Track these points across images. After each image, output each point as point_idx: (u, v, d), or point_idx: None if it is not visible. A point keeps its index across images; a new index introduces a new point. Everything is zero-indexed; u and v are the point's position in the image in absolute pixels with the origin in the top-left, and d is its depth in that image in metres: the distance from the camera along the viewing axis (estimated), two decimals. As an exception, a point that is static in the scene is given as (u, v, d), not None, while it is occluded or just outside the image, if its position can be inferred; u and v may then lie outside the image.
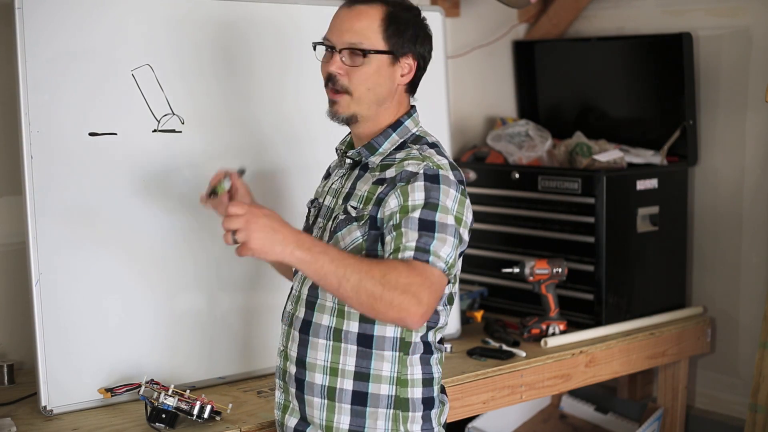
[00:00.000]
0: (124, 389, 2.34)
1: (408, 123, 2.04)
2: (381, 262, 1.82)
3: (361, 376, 1.95)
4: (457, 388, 2.61)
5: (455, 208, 1.89)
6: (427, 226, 1.84)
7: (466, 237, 1.93)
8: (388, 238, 1.87)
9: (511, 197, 3.35)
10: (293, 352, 2.00)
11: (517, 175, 3.33)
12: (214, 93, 2.55)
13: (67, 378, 2.33)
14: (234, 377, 2.59)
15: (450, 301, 2.02)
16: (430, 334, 2.00)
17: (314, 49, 2.04)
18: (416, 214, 1.85)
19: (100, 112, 2.37)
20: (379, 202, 1.91)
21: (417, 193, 1.87)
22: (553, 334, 2.97)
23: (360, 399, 1.95)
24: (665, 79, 3.35)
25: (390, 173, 1.94)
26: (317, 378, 1.96)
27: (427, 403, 2.00)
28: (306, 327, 1.98)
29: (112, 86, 2.38)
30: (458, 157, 3.59)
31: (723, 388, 3.34)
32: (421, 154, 1.95)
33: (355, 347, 1.94)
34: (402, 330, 1.96)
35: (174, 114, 2.47)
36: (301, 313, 2.00)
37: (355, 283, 1.77)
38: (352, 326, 1.94)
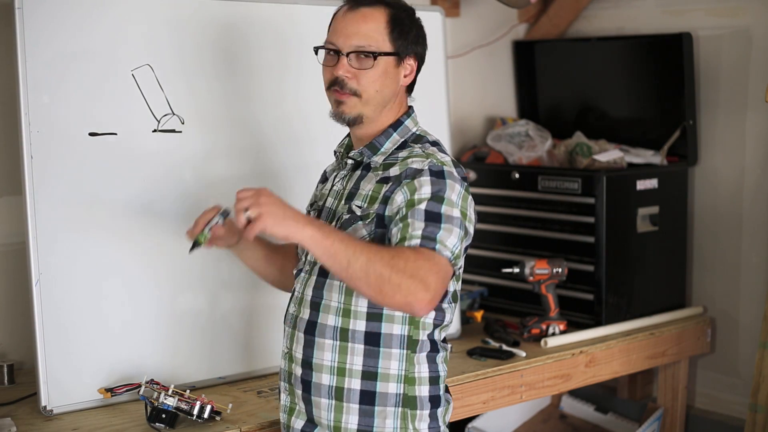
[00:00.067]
0: (124, 389, 2.34)
1: (408, 122, 2.06)
2: (389, 247, 1.84)
3: (369, 375, 1.95)
4: (457, 388, 2.61)
5: (460, 203, 1.90)
6: (433, 218, 1.85)
7: (471, 231, 1.94)
8: (394, 230, 1.88)
9: (511, 197, 3.35)
10: (298, 354, 2.00)
11: (517, 175, 3.33)
12: (214, 93, 2.55)
13: (67, 378, 2.33)
14: (234, 377, 2.59)
15: (454, 298, 2.03)
16: (436, 332, 2.00)
17: (316, 54, 2.05)
18: (422, 206, 1.86)
19: (100, 112, 2.37)
20: (386, 200, 1.92)
21: (423, 188, 1.88)
22: (553, 334, 2.97)
23: (368, 398, 1.95)
24: (665, 79, 3.35)
25: (394, 171, 1.95)
26: (324, 378, 1.96)
27: (434, 401, 2.01)
28: (311, 328, 1.98)
29: (112, 86, 2.38)
30: (458, 157, 3.59)
31: (723, 388, 3.34)
32: (424, 151, 1.97)
33: (362, 346, 1.94)
34: (409, 328, 1.96)
35: (174, 114, 2.47)
36: (305, 314, 2.00)
37: (364, 263, 1.77)
38: (359, 325, 1.94)
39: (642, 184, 3.19)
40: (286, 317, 2.08)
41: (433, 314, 1.98)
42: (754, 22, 3.19)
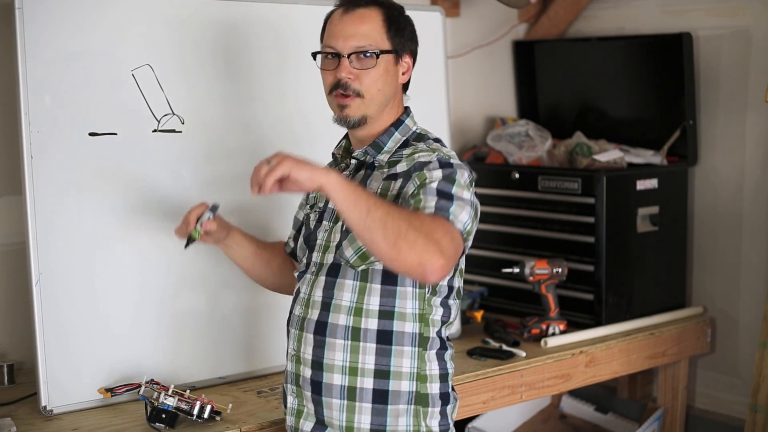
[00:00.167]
0: (124, 389, 2.34)
1: (408, 121, 2.08)
2: (406, 208, 1.84)
3: (382, 373, 1.95)
4: (457, 388, 2.60)
5: (469, 188, 1.93)
6: (444, 195, 1.86)
7: (478, 215, 1.95)
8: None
9: (511, 197, 3.35)
10: (307, 355, 1.99)
11: (517, 175, 3.33)
12: (214, 93, 2.55)
13: (67, 378, 2.33)
14: (234, 377, 2.60)
15: (458, 295, 2.05)
16: (443, 329, 2.02)
17: (314, 59, 2.06)
18: (434, 185, 1.87)
19: (100, 112, 2.37)
20: (398, 196, 1.94)
21: (434, 173, 1.90)
22: (553, 334, 2.97)
23: (381, 397, 1.95)
24: (665, 79, 3.35)
25: (401, 167, 1.97)
26: (336, 379, 1.95)
27: (444, 398, 2.02)
28: (321, 328, 1.98)
29: (112, 86, 2.38)
30: (458, 157, 3.58)
31: (723, 388, 3.34)
32: (429, 147, 2.01)
33: (374, 345, 1.94)
34: (420, 325, 1.97)
35: (174, 114, 2.47)
36: (313, 315, 1.99)
37: (383, 214, 1.75)
38: (371, 324, 1.94)
39: (642, 184, 3.19)
40: (291, 319, 2.07)
41: (441, 311, 2.00)
42: (754, 22, 3.19)
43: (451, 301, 2.02)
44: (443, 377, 2.02)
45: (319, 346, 1.97)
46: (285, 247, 2.31)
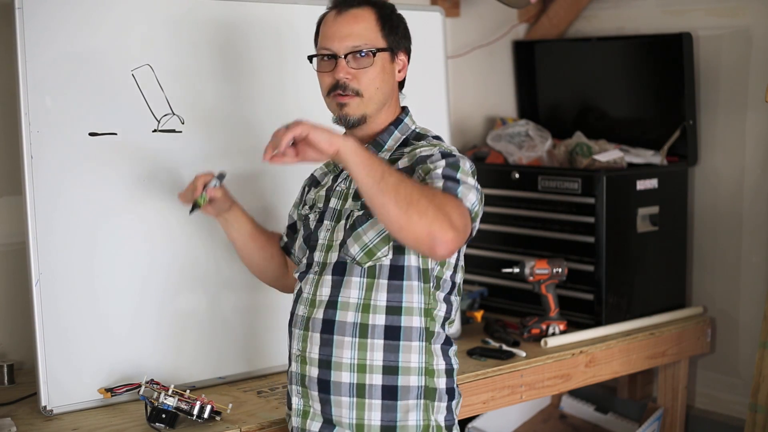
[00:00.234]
0: (124, 389, 2.34)
1: (407, 120, 2.11)
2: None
3: (390, 369, 1.95)
4: (457, 388, 2.61)
5: (473, 176, 1.96)
6: (450, 179, 1.89)
7: (483, 202, 1.96)
8: None
9: (511, 197, 3.35)
10: (314, 355, 2.00)
11: (517, 175, 3.33)
12: (214, 93, 2.55)
13: (67, 378, 2.33)
14: (234, 377, 2.59)
15: (459, 292, 2.06)
16: (446, 325, 2.04)
17: (310, 62, 2.08)
18: (439, 171, 1.89)
19: (100, 112, 2.37)
20: None
21: (437, 163, 1.92)
22: (553, 334, 2.97)
23: (390, 393, 1.96)
24: (665, 79, 3.35)
25: (403, 163, 1.99)
26: (344, 377, 1.96)
27: (450, 393, 2.04)
28: (329, 327, 1.98)
29: (112, 86, 2.38)
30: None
31: (723, 388, 3.34)
32: (429, 143, 2.03)
33: (381, 341, 1.95)
34: (427, 320, 1.98)
35: (174, 114, 2.47)
36: (319, 314, 2.00)
37: (396, 180, 1.77)
38: (379, 319, 1.95)
39: (642, 184, 3.19)
40: (294, 320, 2.07)
41: (444, 307, 2.01)
42: (754, 22, 3.19)
43: (453, 298, 2.04)
44: (448, 372, 2.03)
45: (327, 345, 1.98)
46: (279, 240, 2.33)
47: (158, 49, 2.45)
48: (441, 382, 2.01)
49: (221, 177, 2.15)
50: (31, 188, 2.28)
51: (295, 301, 2.09)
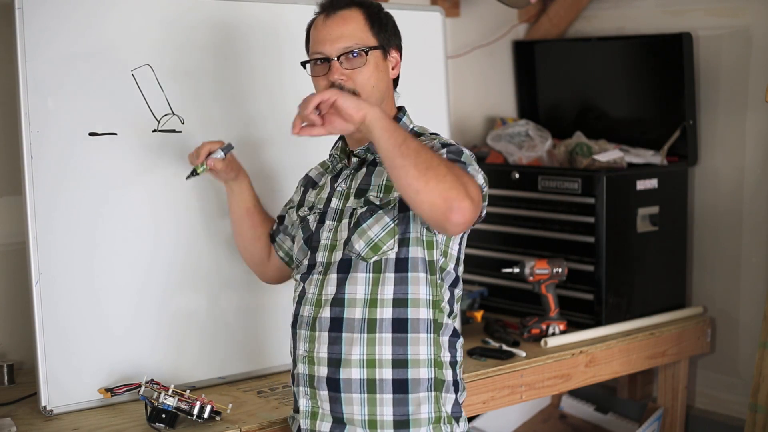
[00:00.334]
0: (124, 389, 2.34)
1: (405, 119, 2.13)
2: None
3: (400, 363, 1.96)
4: (457, 388, 2.61)
5: (475, 163, 1.98)
6: (457, 161, 1.92)
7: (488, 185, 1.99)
8: None
9: (511, 197, 3.35)
10: (322, 354, 2.00)
11: (517, 175, 3.33)
12: (214, 93, 2.55)
13: (67, 378, 2.33)
14: (234, 377, 2.59)
15: (461, 285, 2.08)
16: (450, 319, 2.05)
17: (304, 68, 2.10)
18: (444, 156, 1.92)
19: (100, 112, 2.37)
20: None
21: (439, 150, 1.95)
22: (553, 334, 2.97)
23: (401, 387, 1.96)
24: (665, 79, 3.35)
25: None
26: (354, 373, 1.96)
27: (456, 385, 2.05)
28: (337, 325, 1.98)
29: (112, 86, 2.38)
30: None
31: (723, 388, 3.34)
32: (428, 138, 2.06)
33: (389, 335, 1.96)
34: (434, 311, 1.99)
35: (174, 114, 2.47)
36: (325, 313, 2.00)
37: (418, 146, 1.79)
38: (386, 313, 1.96)
39: (642, 184, 3.19)
40: (298, 321, 2.07)
41: (448, 295, 2.03)
42: (754, 22, 3.19)
43: (456, 291, 2.05)
44: (453, 365, 2.04)
45: (336, 343, 1.98)
46: (273, 225, 2.37)
47: (158, 49, 2.45)
48: (449, 374, 2.02)
49: (227, 149, 2.20)
50: (31, 188, 2.28)
51: (298, 303, 2.09)
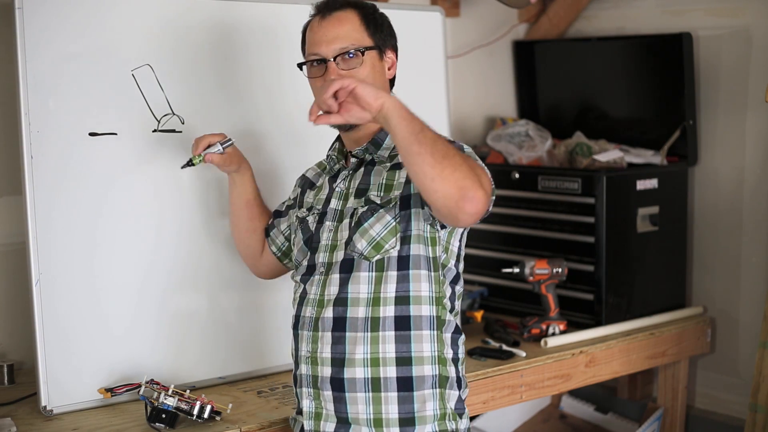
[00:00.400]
0: (124, 389, 2.34)
1: None
2: None
3: (403, 360, 1.96)
4: (457, 388, 2.61)
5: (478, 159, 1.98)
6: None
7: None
8: None
9: (511, 197, 3.35)
10: (326, 354, 2.00)
11: (517, 175, 3.33)
12: (214, 93, 2.55)
13: (67, 378, 2.33)
14: (234, 377, 2.59)
15: (461, 282, 2.08)
16: (453, 316, 2.05)
17: (300, 69, 2.10)
18: None
19: (100, 112, 2.37)
20: (410, 180, 1.98)
21: None
22: (553, 334, 2.97)
23: (406, 384, 1.96)
24: (665, 79, 3.35)
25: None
26: (359, 372, 1.96)
27: (459, 382, 2.05)
28: (340, 324, 1.99)
29: (112, 86, 2.38)
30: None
31: (723, 388, 3.34)
32: None
33: (392, 333, 1.96)
34: (437, 308, 1.99)
35: (174, 114, 2.47)
36: (328, 313, 2.00)
37: (435, 136, 1.80)
38: (389, 311, 1.96)
39: (642, 184, 3.19)
40: (300, 322, 2.07)
41: (449, 291, 2.03)
42: (754, 22, 3.19)
43: (457, 288, 2.06)
44: (455, 362, 2.05)
45: (339, 343, 1.98)
46: (268, 219, 2.38)
47: (158, 49, 2.45)
48: (452, 371, 2.03)
49: (225, 144, 2.23)
50: (31, 188, 2.28)
51: (299, 304, 2.09)
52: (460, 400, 2.05)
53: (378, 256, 1.97)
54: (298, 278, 2.12)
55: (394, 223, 1.97)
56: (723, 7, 3.26)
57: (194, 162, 2.23)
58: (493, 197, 1.96)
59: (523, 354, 2.82)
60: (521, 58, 3.74)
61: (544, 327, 2.99)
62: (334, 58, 2.01)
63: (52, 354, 2.31)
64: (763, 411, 2.85)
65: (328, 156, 2.20)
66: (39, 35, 2.28)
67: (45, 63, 2.29)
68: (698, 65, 3.30)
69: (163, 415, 2.19)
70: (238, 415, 2.32)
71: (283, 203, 2.37)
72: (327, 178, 2.17)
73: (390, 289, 1.97)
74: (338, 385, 1.98)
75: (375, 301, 1.97)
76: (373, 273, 1.98)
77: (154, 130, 2.45)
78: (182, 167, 2.26)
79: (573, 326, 3.08)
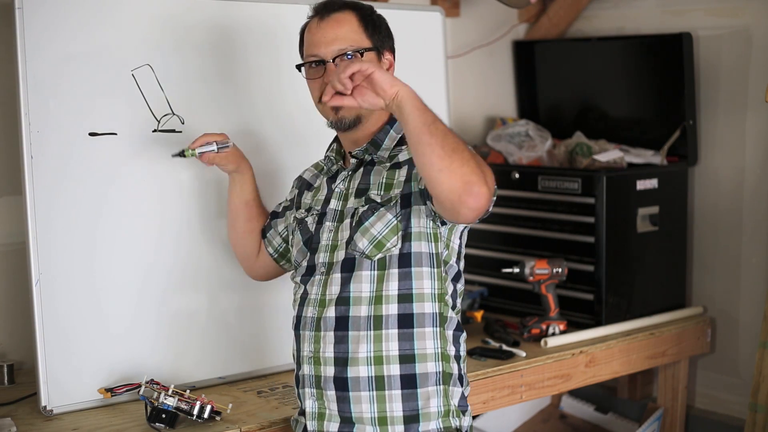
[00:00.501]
0: (124, 389, 2.34)
1: None
2: None
3: (407, 358, 1.97)
4: (457, 388, 2.61)
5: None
6: None
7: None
8: None
9: (511, 197, 3.35)
10: (328, 353, 2.00)
11: (517, 175, 3.33)
12: (214, 92, 2.55)
13: (67, 378, 2.33)
14: (234, 377, 2.59)
15: (462, 280, 2.08)
16: (454, 313, 2.05)
17: (299, 71, 2.10)
18: None
19: (100, 112, 2.37)
20: (410, 179, 1.98)
21: None
22: (553, 334, 2.97)
23: (409, 382, 1.97)
24: (665, 79, 3.35)
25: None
26: (362, 371, 1.96)
27: (461, 379, 2.05)
28: (342, 324, 1.99)
29: (112, 86, 2.38)
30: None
31: (723, 388, 3.34)
32: None
33: (396, 331, 1.96)
34: (440, 305, 1.99)
35: (174, 114, 2.47)
36: (330, 312, 2.00)
37: (446, 129, 1.80)
38: (391, 309, 1.96)
39: (642, 184, 3.19)
40: (301, 323, 2.07)
41: (451, 288, 2.03)
42: (754, 22, 3.19)
43: (458, 285, 2.06)
44: (458, 359, 2.05)
45: (342, 342, 1.98)
46: (266, 221, 2.38)
47: (158, 49, 2.45)
48: (455, 368, 2.03)
49: (221, 147, 2.23)
50: (31, 188, 2.28)
51: (300, 305, 2.09)
52: (463, 397, 2.05)
53: (380, 255, 1.97)
54: (298, 279, 2.12)
55: (395, 222, 1.97)
56: (723, 7, 3.26)
57: (186, 154, 2.23)
58: (494, 197, 1.96)
59: (523, 354, 2.82)
60: (521, 58, 3.74)
61: (544, 327, 2.99)
62: (333, 60, 2.02)
63: (52, 354, 2.31)
64: (763, 411, 2.85)
65: (326, 157, 2.20)
66: (39, 35, 2.28)
67: (45, 63, 2.29)
68: (698, 65, 3.30)
69: (163, 415, 2.19)
70: (238, 415, 2.32)
71: (280, 204, 2.37)
72: (325, 179, 2.17)
73: (392, 287, 1.97)
74: (342, 384, 1.98)
75: (377, 300, 1.97)
76: (375, 271, 1.98)
77: (154, 130, 2.45)
78: (173, 155, 2.26)
79: (573, 326, 3.08)
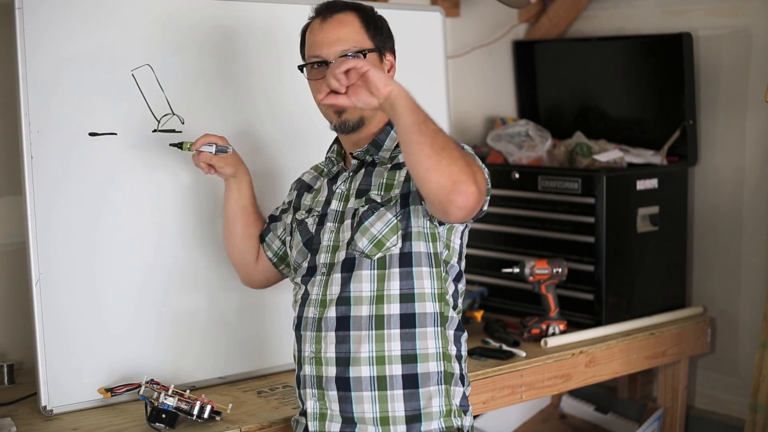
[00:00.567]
0: (124, 389, 2.34)
1: None
2: None
3: (409, 358, 1.97)
4: (457, 388, 2.61)
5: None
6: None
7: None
8: None
9: (511, 197, 3.35)
10: (330, 354, 2.00)
11: (517, 175, 3.33)
12: (214, 93, 2.55)
13: (67, 378, 2.33)
14: (234, 377, 2.60)
15: (463, 280, 2.08)
16: (456, 313, 2.05)
17: (301, 71, 2.10)
18: None
19: (100, 112, 2.37)
20: (409, 178, 1.98)
21: None
22: (553, 334, 2.97)
23: (411, 381, 1.97)
24: (665, 79, 3.35)
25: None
26: (364, 371, 1.96)
27: (462, 379, 2.06)
28: (344, 324, 1.99)
29: (112, 86, 2.38)
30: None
31: (723, 388, 3.34)
32: None
33: (398, 331, 1.96)
34: (441, 305, 2.00)
35: (174, 114, 2.47)
36: (331, 312, 2.00)
37: (437, 128, 1.81)
38: (394, 308, 1.97)
39: (642, 184, 3.19)
40: (303, 323, 2.07)
41: (452, 288, 2.03)
42: (754, 22, 3.19)
43: (460, 285, 2.06)
44: (459, 359, 2.05)
45: (344, 342, 1.98)
46: (263, 226, 2.38)
47: (158, 49, 2.45)
48: (456, 368, 2.03)
49: (219, 150, 2.23)
50: (31, 188, 2.28)
51: (301, 305, 2.09)
52: (464, 397, 2.05)
53: (379, 254, 1.98)
54: (298, 280, 2.12)
55: (395, 221, 1.98)
56: (723, 7, 3.26)
57: (183, 147, 2.24)
58: (488, 197, 1.96)
59: (523, 354, 2.82)
60: (521, 58, 3.74)
61: (544, 327, 2.99)
62: (335, 60, 2.01)
63: (52, 354, 2.31)
64: (763, 411, 2.85)
65: (326, 158, 2.20)
66: (39, 35, 2.28)
67: (45, 63, 2.29)
68: (698, 65, 3.30)
69: (163, 415, 2.19)
70: (238, 415, 2.32)
71: (277, 208, 2.37)
72: (325, 180, 2.17)
73: (394, 287, 1.97)
74: (343, 384, 1.98)
75: (378, 299, 1.97)
76: (375, 271, 1.98)
77: (154, 130, 2.45)
78: (171, 144, 2.27)
79: (573, 326, 3.08)
